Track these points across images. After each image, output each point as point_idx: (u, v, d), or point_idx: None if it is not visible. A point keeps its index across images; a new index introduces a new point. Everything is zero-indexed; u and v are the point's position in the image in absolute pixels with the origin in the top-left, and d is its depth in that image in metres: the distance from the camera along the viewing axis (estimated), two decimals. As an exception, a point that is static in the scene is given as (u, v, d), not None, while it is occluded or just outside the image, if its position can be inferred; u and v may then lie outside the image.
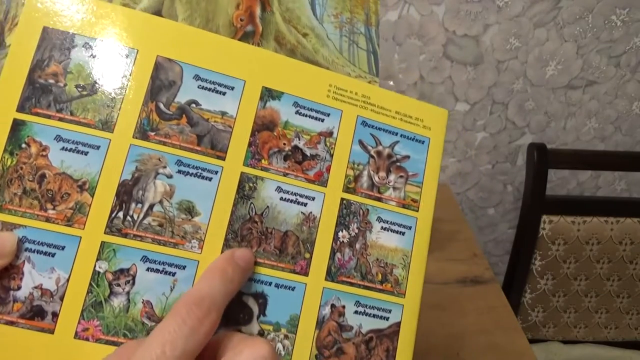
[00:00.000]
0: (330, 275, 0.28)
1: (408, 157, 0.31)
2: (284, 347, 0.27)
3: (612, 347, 1.04)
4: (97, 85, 0.26)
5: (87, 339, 0.24)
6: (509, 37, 0.91)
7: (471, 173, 1.07)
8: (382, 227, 0.30)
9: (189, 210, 0.27)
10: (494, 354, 0.62)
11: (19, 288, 0.24)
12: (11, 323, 0.24)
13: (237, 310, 0.26)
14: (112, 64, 0.27)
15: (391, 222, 0.30)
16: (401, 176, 0.31)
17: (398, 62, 0.91)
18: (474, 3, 0.87)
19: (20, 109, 0.25)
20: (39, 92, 0.26)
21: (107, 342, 0.24)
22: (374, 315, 0.29)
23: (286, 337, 0.27)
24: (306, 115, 0.29)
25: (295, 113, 0.29)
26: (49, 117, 0.26)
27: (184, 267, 0.26)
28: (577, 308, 1.02)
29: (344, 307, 0.28)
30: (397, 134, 0.31)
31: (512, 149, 1.04)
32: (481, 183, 1.08)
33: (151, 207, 0.26)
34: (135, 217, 0.26)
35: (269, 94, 0.29)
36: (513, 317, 0.67)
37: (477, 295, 0.71)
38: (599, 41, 0.94)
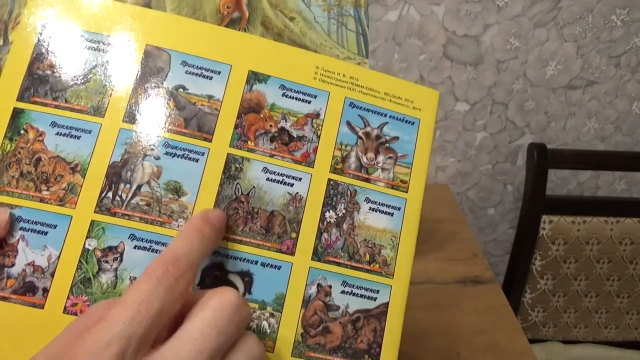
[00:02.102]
0: (317, 255, 0.29)
1: (397, 138, 0.31)
2: (269, 325, 0.27)
3: (612, 347, 1.04)
4: (90, 74, 0.28)
5: (75, 314, 0.25)
6: (509, 37, 0.91)
7: (471, 173, 1.07)
8: (370, 208, 0.30)
9: (176, 190, 0.28)
10: (494, 354, 0.62)
11: (12, 265, 0.25)
12: (4, 298, 0.25)
13: None
14: (104, 54, 0.28)
15: (380, 202, 0.30)
16: (390, 157, 0.31)
17: (398, 62, 0.91)
18: (474, 3, 0.87)
19: (20, 98, 0.27)
20: (37, 83, 0.27)
21: None
22: (361, 296, 0.29)
23: (272, 315, 0.27)
24: (293, 98, 0.30)
25: (282, 95, 0.30)
26: (45, 105, 0.27)
27: None
28: (577, 308, 1.02)
29: (330, 286, 0.28)
30: (386, 115, 0.31)
31: (512, 149, 1.04)
32: (481, 183, 1.08)
33: (139, 187, 0.27)
34: (123, 197, 0.27)
35: (255, 78, 0.30)
36: (513, 317, 0.67)
37: (477, 295, 0.71)
38: (599, 41, 0.94)
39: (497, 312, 0.68)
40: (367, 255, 0.29)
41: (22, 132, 0.27)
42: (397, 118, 0.31)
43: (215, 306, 0.22)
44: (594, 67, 0.97)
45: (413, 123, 0.32)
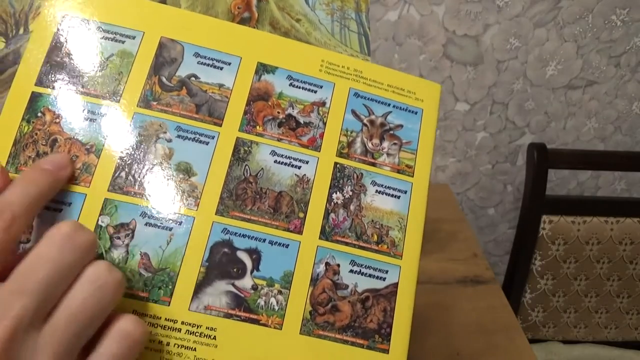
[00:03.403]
0: (325, 235, 0.29)
1: (401, 126, 0.32)
2: (277, 302, 0.27)
3: (612, 347, 1.04)
4: (106, 62, 0.29)
5: None
6: (509, 37, 0.91)
7: (471, 173, 1.07)
8: (376, 191, 0.31)
9: (187, 171, 0.29)
10: (494, 354, 0.62)
11: (28, 241, 0.26)
12: None
13: (231, 265, 0.28)
14: (120, 44, 0.30)
15: (386, 186, 0.31)
16: (395, 143, 0.32)
17: (398, 62, 0.91)
18: (474, 3, 0.87)
19: (39, 83, 0.28)
20: (56, 69, 0.29)
21: None
22: (370, 275, 0.29)
23: (280, 292, 0.28)
24: (299, 87, 0.31)
25: (289, 85, 0.31)
26: (63, 90, 0.29)
27: (181, 223, 0.28)
28: (577, 308, 1.02)
29: (338, 265, 0.29)
30: (389, 105, 0.32)
31: (512, 149, 1.04)
32: (481, 183, 1.08)
33: (151, 168, 0.28)
34: (136, 176, 0.28)
35: (263, 69, 0.31)
36: (513, 317, 0.67)
37: (477, 295, 0.71)
38: (599, 41, 0.94)
39: (497, 312, 0.68)
40: (375, 236, 0.30)
41: (39, 114, 0.28)
42: (400, 108, 0.32)
43: (47, 239, 0.22)
44: (594, 67, 0.97)
45: (416, 113, 0.32)
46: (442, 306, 0.68)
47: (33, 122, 0.28)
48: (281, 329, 0.27)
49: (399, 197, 0.31)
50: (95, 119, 0.28)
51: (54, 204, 0.27)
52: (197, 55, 0.30)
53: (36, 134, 0.28)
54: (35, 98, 0.28)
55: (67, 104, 0.28)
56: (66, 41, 0.29)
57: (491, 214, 1.13)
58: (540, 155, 0.91)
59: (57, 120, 0.28)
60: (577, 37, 0.93)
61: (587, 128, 1.04)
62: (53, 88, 0.28)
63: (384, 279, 0.29)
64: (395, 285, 0.29)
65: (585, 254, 0.97)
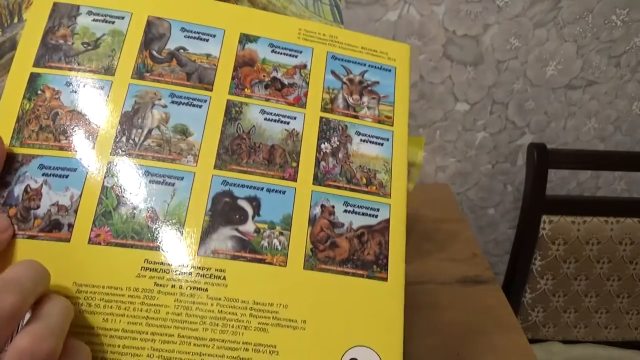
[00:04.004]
0: (318, 180, 0.32)
1: (378, 82, 0.35)
2: (280, 243, 0.30)
3: (612, 347, 1.04)
4: (99, 41, 0.32)
5: (99, 243, 0.28)
6: (509, 37, 0.91)
7: (471, 173, 1.07)
8: (361, 140, 0.33)
9: (184, 131, 0.31)
10: (494, 354, 0.62)
11: (38, 207, 0.28)
12: (33, 237, 0.27)
13: (233, 212, 0.30)
14: (111, 25, 0.32)
15: (369, 135, 0.34)
16: (374, 97, 0.35)
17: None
18: (474, 3, 0.87)
19: (36, 64, 0.30)
20: (51, 50, 0.31)
21: (117, 245, 0.28)
22: (363, 214, 0.32)
23: (281, 234, 0.30)
24: (281, 53, 0.34)
25: (271, 52, 0.34)
26: (60, 68, 0.31)
27: (182, 178, 0.30)
28: (577, 308, 1.02)
29: (333, 206, 0.31)
30: (365, 64, 0.35)
31: (512, 149, 1.04)
32: (481, 183, 1.08)
33: (150, 131, 0.30)
34: (136, 140, 0.30)
35: (246, 39, 0.34)
36: (513, 317, 0.67)
37: (477, 295, 0.71)
38: (599, 41, 0.94)
39: (497, 312, 0.68)
40: (364, 179, 0.32)
41: (39, 92, 0.30)
42: (375, 67, 0.35)
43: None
44: (594, 67, 0.97)
45: (390, 70, 0.36)
46: (442, 306, 0.68)
47: (34, 100, 0.30)
48: (286, 266, 0.29)
49: (382, 144, 0.34)
50: (93, 92, 0.30)
51: (60, 171, 0.28)
52: (183, 30, 0.33)
53: (38, 109, 0.30)
54: (34, 78, 0.30)
55: (65, 81, 0.30)
56: (59, 25, 0.31)
57: (491, 214, 1.13)
58: (540, 155, 0.91)
59: (57, 96, 0.30)
60: (577, 37, 0.93)
61: (587, 128, 1.04)
62: (50, 67, 0.30)
63: (376, 216, 0.32)
64: (387, 221, 0.32)
65: (585, 254, 0.97)
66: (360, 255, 0.30)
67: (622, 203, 0.98)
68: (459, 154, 1.04)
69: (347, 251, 0.30)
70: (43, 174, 0.28)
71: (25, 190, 0.28)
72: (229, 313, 0.28)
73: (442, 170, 1.06)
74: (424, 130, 1.00)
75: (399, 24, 0.88)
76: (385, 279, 0.30)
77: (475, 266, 0.76)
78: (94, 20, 0.32)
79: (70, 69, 0.31)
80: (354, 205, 0.31)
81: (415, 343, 0.62)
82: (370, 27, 0.87)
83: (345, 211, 0.31)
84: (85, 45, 0.31)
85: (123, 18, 0.32)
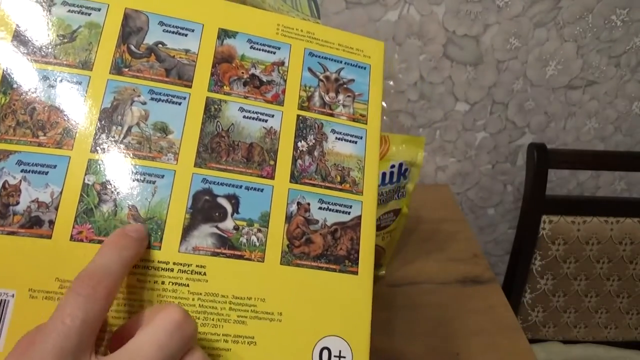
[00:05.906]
0: (294, 178, 0.32)
1: (353, 80, 0.36)
2: (258, 239, 0.31)
3: (612, 347, 1.04)
4: (75, 33, 0.31)
5: (81, 240, 0.28)
6: (509, 37, 0.91)
7: (471, 173, 1.07)
8: (336, 137, 0.34)
9: (163, 129, 0.31)
10: (494, 354, 0.62)
11: (17, 203, 0.28)
12: (12, 233, 0.27)
13: (213, 210, 0.30)
14: (87, 16, 0.31)
15: (344, 133, 0.35)
16: (349, 96, 0.36)
17: (398, 62, 0.91)
18: (474, 3, 0.87)
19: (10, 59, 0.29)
20: (26, 45, 0.30)
21: (100, 242, 0.28)
22: (336, 211, 0.33)
23: (259, 230, 0.31)
24: (259, 50, 0.34)
25: (250, 48, 0.34)
26: (35, 61, 0.30)
27: (163, 176, 0.30)
28: (577, 308, 1.02)
29: (309, 204, 0.32)
30: (341, 62, 0.36)
31: (512, 149, 1.04)
32: (481, 183, 1.08)
33: (130, 128, 0.30)
34: (116, 137, 0.30)
35: (225, 34, 0.34)
36: (513, 317, 0.67)
37: (477, 295, 0.71)
38: (599, 41, 0.94)
39: (497, 312, 0.68)
40: (338, 177, 0.34)
41: (14, 85, 0.29)
42: (350, 64, 0.36)
43: (158, 323, 0.23)
44: (594, 67, 0.97)
45: (365, 68, 0.36)
46: (442, 306, 0.68)
47: (9, 93, 0.29)
48: (263, 262, 0.30)
49: (356, 142, 0.34)
50: (71, 87, 0.30)
51: (39, 168, 0.28)
52: (161, 24, 0.32)
53: (14, 104, 0.29)
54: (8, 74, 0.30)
55: (41, 75, 0.30)
56: (32, 18, 0.31)
57: (491, 214, 1.13)
58: (540, 155, 0.91)
59: (34, 90, 0.29)
60: (577, 37, 0.93)
61: (587, 128, 1.04)
62: (26, 62, 0.30)
63: (349, 213, 0.33)
64: (359, 217, 0.33)
65: (585, 254, 0.97)
66: (333, 250, 0.32)
67: (622, 203, 0.98)
68: (459, 154, 1.04)
69: (321, 247, 0.32)
70: (22, 170, 0.28)
71: (3, 186, 0.28)
72: (210, 307, 0.29)
73: (442, 170, 1.06)
74: (424, 130, 1.00)
75: (399, 24, 0.88)
76: (356, 273, 0.32)
77: (475, 266, 0.76)
78: (69, 11, 0.31)
79: (46, 62, 0.30)
80: (329, 203, 0.33)
81: (416, 343, 0.62)
82: (370, 27, 0.87)
83: (320, 208, 0.32)
84: (60, 38, 0.31)
85: (99, 10, 0.32)
